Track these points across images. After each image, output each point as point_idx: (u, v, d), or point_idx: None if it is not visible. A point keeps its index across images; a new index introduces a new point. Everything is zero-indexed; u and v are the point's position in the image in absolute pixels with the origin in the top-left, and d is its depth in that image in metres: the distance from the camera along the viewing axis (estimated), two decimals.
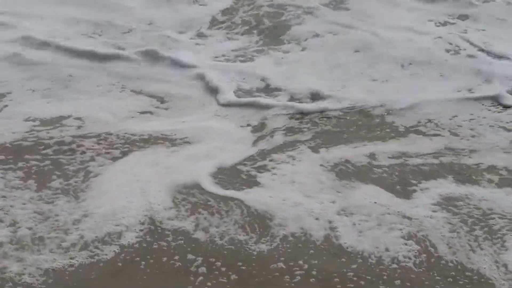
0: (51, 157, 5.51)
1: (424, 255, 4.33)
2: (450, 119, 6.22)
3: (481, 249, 4.42)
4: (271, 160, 5.51)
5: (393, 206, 4.84)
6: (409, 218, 4.70)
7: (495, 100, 6.47)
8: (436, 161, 5.50)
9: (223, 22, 8.56)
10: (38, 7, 8.89)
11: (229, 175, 5.31)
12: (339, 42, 7.85)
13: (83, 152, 5.59)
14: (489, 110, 6.42)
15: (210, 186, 5.12)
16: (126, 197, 4.94)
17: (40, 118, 6.19)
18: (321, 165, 5.44)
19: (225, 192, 5.04)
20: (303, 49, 7.71)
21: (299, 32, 8.13)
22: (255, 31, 8.23)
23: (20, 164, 5.39)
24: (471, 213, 4.80)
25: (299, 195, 5.01)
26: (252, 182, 5.20)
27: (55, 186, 5.11)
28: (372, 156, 5.58)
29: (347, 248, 4.39)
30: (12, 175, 5.25)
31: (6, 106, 6.46)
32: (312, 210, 4.79)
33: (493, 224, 4.67)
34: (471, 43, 7.85)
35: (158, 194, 5.00)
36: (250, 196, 4.96)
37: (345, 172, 5.34)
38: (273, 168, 5.40)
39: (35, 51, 7.60)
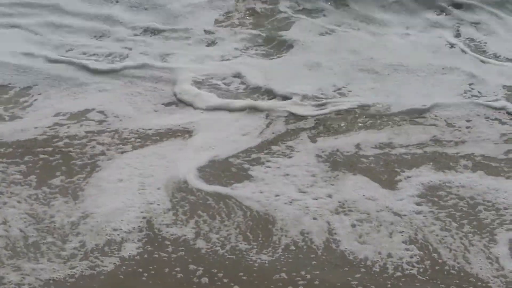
0: (61, 150, 5.21)
1: (428, 261, 4.08)
2: (448, 111, 5.98)
3: (472, 245, 4.23)
4: (268, 153, 5.30)
5: (381, 199, 4.69)
6: (399, 215, 4.50)
7: (503, 110, 6.10)
8: (420, 151, 5.34)
9: (223, 23, 8.03)
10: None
11: (231, 169, 5.07)
12: (338, 44, 7.41)
13: (93, 147, 5.28)
14: None
15: (207, 182, 4.87)
16: (126, 195, 4.67)
17: (66, 112, 5.86)
18: (317, 155, 5.24)
19: (226, 189, 4.79)
20: (303, 52, 7.25)
21: (299, 34, 7.66)
22: (255, 34, 7.72)
23: (26, 158, 5.10)
24: (455, 204, 4.64)
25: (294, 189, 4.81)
26: (250, 176, 4.96)
27: (55, 184, 4.81)
28: (365, 146, 5.40)
29: (349, 255, 4.13)
30: (14, 169, 4.97)
31: (36, 100, 6.11)
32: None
33: (478, 213, 4.57)
34: (469, 44, 7.53)
35: (157, 191, 4.73)
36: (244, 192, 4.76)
37: (338, 162, 5.15)
38: (268, 161, 5.18)
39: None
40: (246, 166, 5.09)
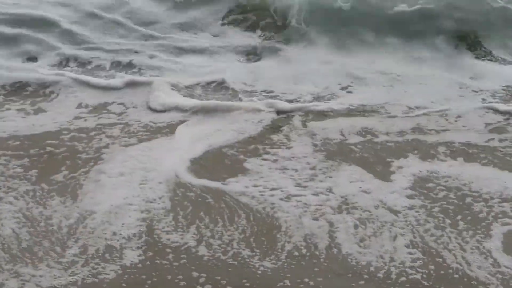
0: (67, 144, 4.99)
1: (431, 266, 3.84)
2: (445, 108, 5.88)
3: (466, 242, 4.04)
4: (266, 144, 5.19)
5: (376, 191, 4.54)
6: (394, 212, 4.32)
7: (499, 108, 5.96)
8: (413, 143, 5.27)
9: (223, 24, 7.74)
10: None
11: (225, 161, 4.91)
12: (334, 50, 7.15)
13: (100, 140, 5.07)
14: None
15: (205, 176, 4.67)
16: (126, 191, 4.42)
17: (88, 104, 5.75)
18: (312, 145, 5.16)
19: (224, 187, 4.56)
20: (298, 54, 7.05)
21: (293, 37, 7.37)
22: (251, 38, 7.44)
23: (31, 152, 4.87)
24: (446, 197, 4.52)
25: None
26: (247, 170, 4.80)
27: (56, 180, 4.56)
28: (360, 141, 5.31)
29: (351, 261, 3.87)
30: (15, 163, 4.74)
31: (60, 89, 5.99)
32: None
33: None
34: (463, 44, 7.34)
35: (158, 186, 4.49)
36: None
37: (333, 153, 5.05)
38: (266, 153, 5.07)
39: None
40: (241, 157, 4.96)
